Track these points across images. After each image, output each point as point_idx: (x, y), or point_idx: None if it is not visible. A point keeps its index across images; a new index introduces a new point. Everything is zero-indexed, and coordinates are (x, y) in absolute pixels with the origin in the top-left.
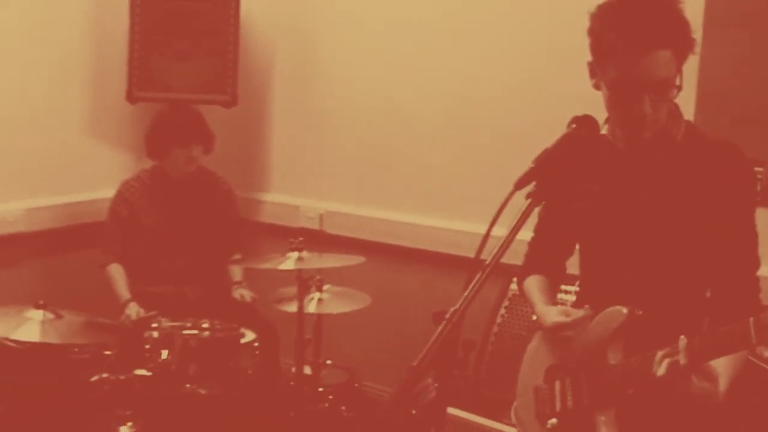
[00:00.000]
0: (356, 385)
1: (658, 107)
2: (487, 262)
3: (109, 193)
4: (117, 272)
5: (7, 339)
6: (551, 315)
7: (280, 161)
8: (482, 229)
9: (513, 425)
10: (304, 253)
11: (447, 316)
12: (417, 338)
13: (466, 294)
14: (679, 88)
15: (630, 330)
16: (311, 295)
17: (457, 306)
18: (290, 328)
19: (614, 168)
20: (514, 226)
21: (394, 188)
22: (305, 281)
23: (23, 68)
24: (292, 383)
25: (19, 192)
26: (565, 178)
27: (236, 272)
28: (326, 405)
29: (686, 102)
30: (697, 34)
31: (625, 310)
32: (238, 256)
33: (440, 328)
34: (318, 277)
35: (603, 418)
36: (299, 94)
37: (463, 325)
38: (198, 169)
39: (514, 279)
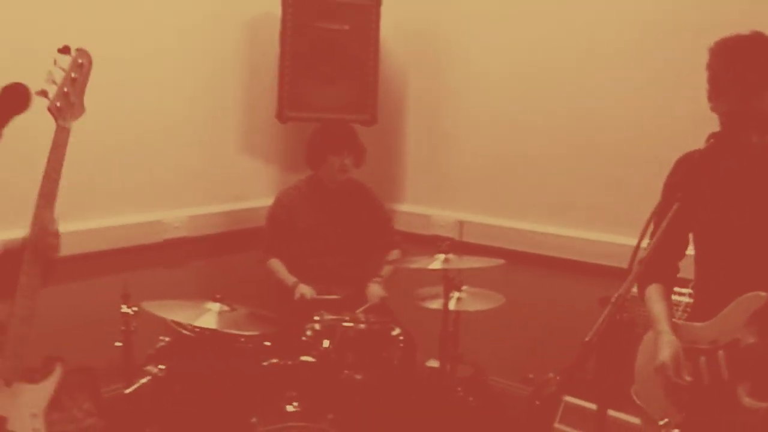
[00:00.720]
0: (483, 378)
1: (762, 136)
2: (643, 257)
3: (260, 202)
4: (277, 264)
5: (186, 327)
6: (669, 350)
7: (413, 175)
8: (609, 238)
9: (624, 411)
10: (450, 255)
11: (612, 299)
12: (543, 339)
13: (626, 283)
14: None
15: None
16: (452, 296)
17: (620, 291)
18: (425, 323)
19: (728, 172)
20: (664, 229)
21: (524, 199)
22: (450, 281)
23: (187, 92)
24: (426, 375)
25: (184, 201)
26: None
27: (385, 269)
28: (457, 395)
29: None
30: None
31: (764, 294)
32: (395, 255)
33: (606, 309)
34: (458, 278)
35: (744, 389)
36: (432, 113)
37: (625, 308)
38: (348, 180)
39: None
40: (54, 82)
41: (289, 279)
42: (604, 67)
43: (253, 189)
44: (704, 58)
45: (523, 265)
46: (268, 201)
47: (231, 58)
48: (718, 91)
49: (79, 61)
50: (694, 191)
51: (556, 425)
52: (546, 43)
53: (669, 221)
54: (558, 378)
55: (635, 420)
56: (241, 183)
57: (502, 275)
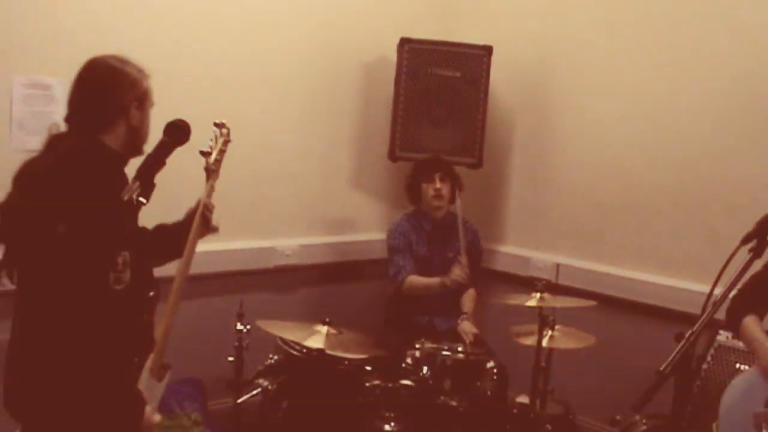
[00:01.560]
0: (571, 416)
1: None
2: (716, 300)
3: (368, 236)
4: (415, 278)
5: (294, 346)
6: None
7: (515, 218)
8: (701, 288)
9: None
10: (546, 294)
11: (686, 335)
12: (631, 382)
13: (700, 322)
14: None
15: None
16: (546, 333)
17: (694, 329)
18: (519, 359)
19: None
20: (736, 276)
21: (620, 245)
22: (545, 318)
23: (304, 128)
24: (515, 410)
25: (297, 231)
26: None
27: (467, 303)
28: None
29: None
30: None
31: None
32: (471, 294)
33: (681, 344)
34: (552, 317)
35: None
36: (535, 160)
37: (696, 345)
38: (450, 214)
39: (721, 332)
40: (212, 148)
41: (434, 280)
42: (706, 119)
43: (361, 223)
44: None
45: (616, 308)
46: (375, 235)
47: (347, 98)
48: None
49: (228, 138)
50: None
51: None
52: (650, 96)
53: (744, 269)
54: (644, 420)
55: None
56: (350, 217)
57: (594, 317)
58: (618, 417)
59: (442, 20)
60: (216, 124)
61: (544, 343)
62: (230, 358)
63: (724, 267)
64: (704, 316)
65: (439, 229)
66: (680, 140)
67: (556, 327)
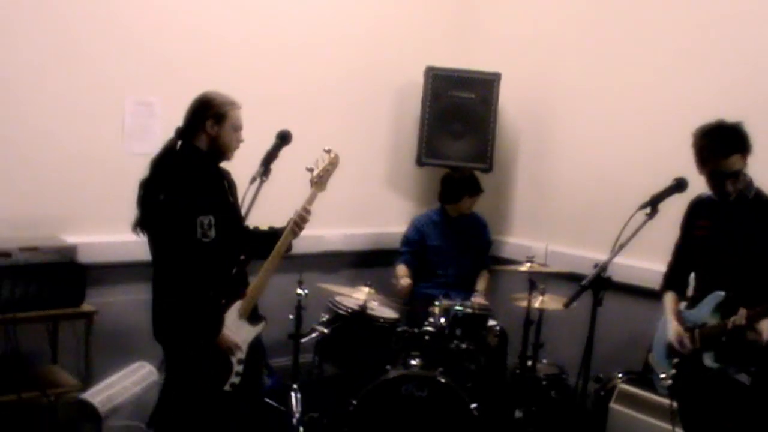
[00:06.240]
0: (564, 376)
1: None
2: (622, 244)
3: (398, 228)
4: (402, 269)
5: (341, 306)
6: (674, 333)
7: (519, 214)
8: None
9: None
10: (535, 264)
11: (600, 264)
12: (609, 346)
13: (608, 259)
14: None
15: (725, 305)
16: (536, 298)
17: (604, 261)
18: (518, 327)
19: (717, 213)
20: (632, 234)
21: (600, 236)
22: (533, 282)
23: (349, 139)
24: (517, 371)
25: (339, 222)
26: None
27: (480, 283)
28: (541, 386)
29: None
30: None
31: (723, 293)
32: (485, 275)
33: (596, 270)
34: (542, 287)
35: (707, 355)
36: (537, 166)
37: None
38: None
39: None
40: (317, 166)
41: (403, 280)
42: (668, 138)
43: (391, 218)
44: None
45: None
46: (404, 228)
47: (382, 114)
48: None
49: (334, 161)
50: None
51: (611, 405)
52: (626, 117)
53: (638, 229)
54: (620, 375)
55: None
56: (383, 212)
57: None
58: (600, 375)
59: (460, 50)
60: (325, 150)
61: (536, 304)
62: (291, 316)
63: (623, 229)
64: (610, 256)
65: (456, 225)
66: (651, 151)
67: (545, 294)
